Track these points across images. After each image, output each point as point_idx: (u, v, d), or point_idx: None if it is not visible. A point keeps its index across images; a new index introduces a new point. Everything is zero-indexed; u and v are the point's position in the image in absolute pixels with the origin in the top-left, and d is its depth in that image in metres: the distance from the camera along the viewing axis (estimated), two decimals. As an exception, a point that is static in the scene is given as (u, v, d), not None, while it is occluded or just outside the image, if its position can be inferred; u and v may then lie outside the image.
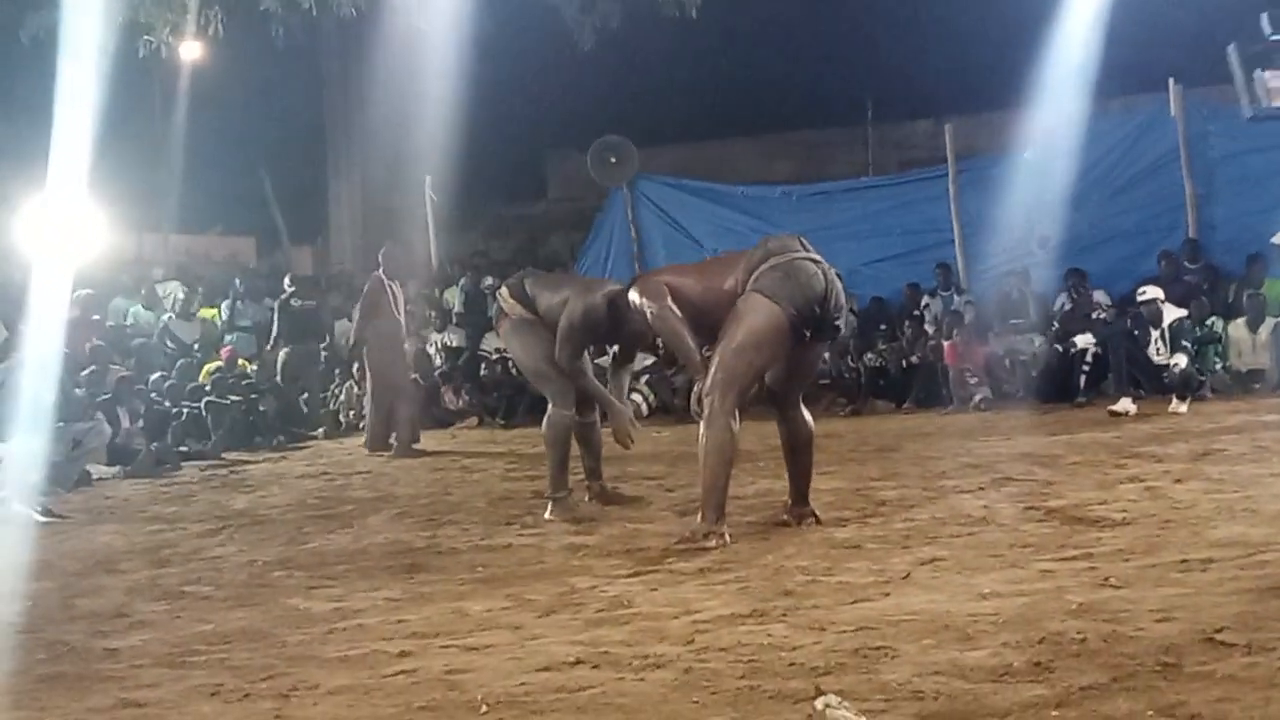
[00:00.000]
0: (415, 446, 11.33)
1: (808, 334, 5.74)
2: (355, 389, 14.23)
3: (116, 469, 10.89)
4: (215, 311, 16.03)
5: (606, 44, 18.15)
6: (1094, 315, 11.88)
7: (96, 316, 13.73)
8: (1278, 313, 11.46)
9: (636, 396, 11.72)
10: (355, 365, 14.10)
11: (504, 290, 7.36)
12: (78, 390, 11.23)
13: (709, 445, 5.69)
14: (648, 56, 19.43)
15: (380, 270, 11.61)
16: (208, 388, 13.16)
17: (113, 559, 6.65)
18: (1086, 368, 11.23)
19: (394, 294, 11.55)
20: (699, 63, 20.42)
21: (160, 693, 3.86)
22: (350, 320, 15.64)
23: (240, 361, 14.07)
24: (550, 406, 7.12)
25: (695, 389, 5.84)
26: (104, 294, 15.78)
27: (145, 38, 15.48)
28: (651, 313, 5.99)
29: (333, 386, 14.38)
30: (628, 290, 6.41)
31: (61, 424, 9.92)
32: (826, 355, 10.24)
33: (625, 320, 6.49)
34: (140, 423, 11.89)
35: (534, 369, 7.24)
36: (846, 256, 12.08)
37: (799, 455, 6.12)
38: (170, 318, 15.36)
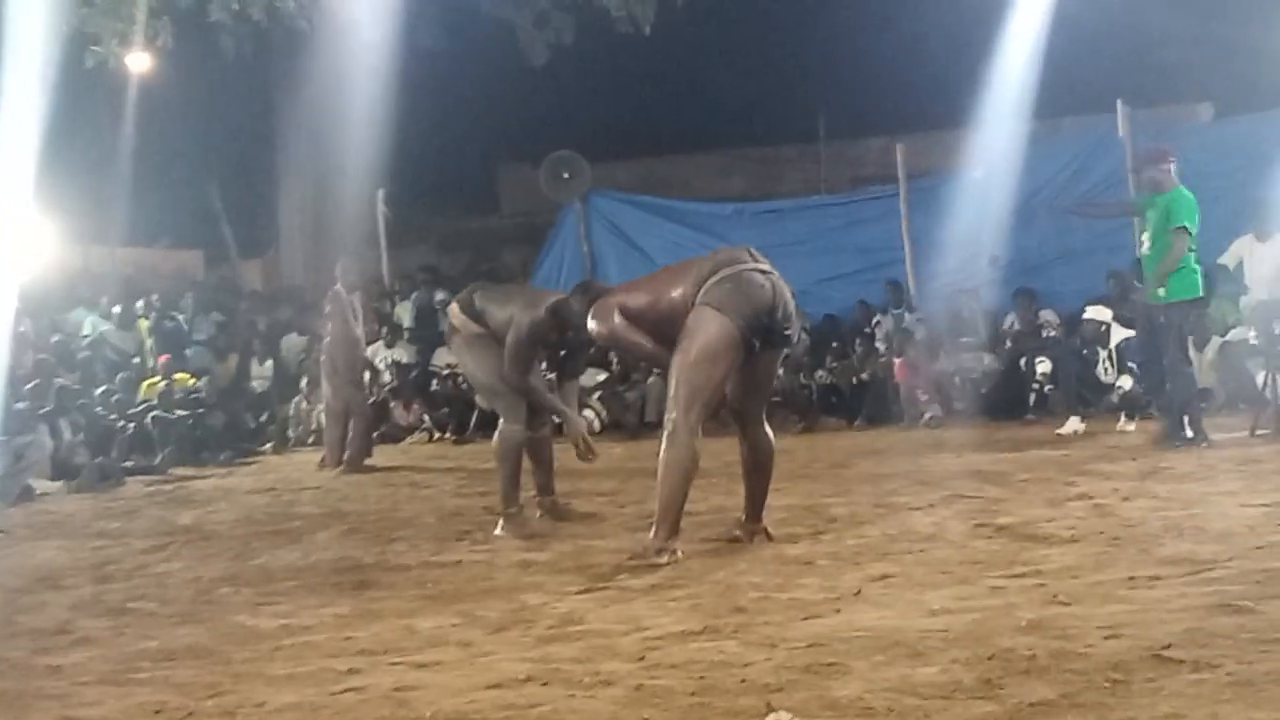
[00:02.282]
0: (366, 462, 11.26)
1: (757, 344, 5.75)
2: (304, 404, 14.15)
3: (60, 483, 10.76)
4: (146, 322, 15.90)
5: (560, 59, 18.18)
6: (1044, 334, 11.96)
7: (23, 329, 13.49)
8: (1223, 333, 11.58)
9: (589, 413, 11.69)
10: (306, 380, 14.04)
11: (454, 306, 7.34)
12: (19, 405, 11.09)
13: (669, 461, 5.68)
14: (601, 72, 19.48)
15: (338, 284, 11.53)
16: (154, 402, 13.02)
17: (55, 575, 6.55)
18: (1037, 386, 11.33)
19: (353, 307, 11.49)
20: (652, 79, 20.49)
21: (103, 711, 3.80)
22: (300, 335, 15.67)
23: (180, 375, 13.84)
24: (501, 422, 7.10)
25: (650, 399, 5.84)
26: (55, 306, 15.65)
27: (92, 48, 15.32)
28: (605, 337, 6.06)
29: (298, 401, 14.27)
30: (570, 297, 6.47)
31: (3, 438, 9.79)
32: (781, 371, 10.30)
33: (572, 328, 6.53)
34: (82, 435, 11.74)
35: (485, 384, 7.24)
36: (798, 274, 12.02)
37: (759, 472, 6.11)
38: (109, 328, 15.24)
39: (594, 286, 6.66)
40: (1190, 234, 8.79)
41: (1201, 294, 9.02)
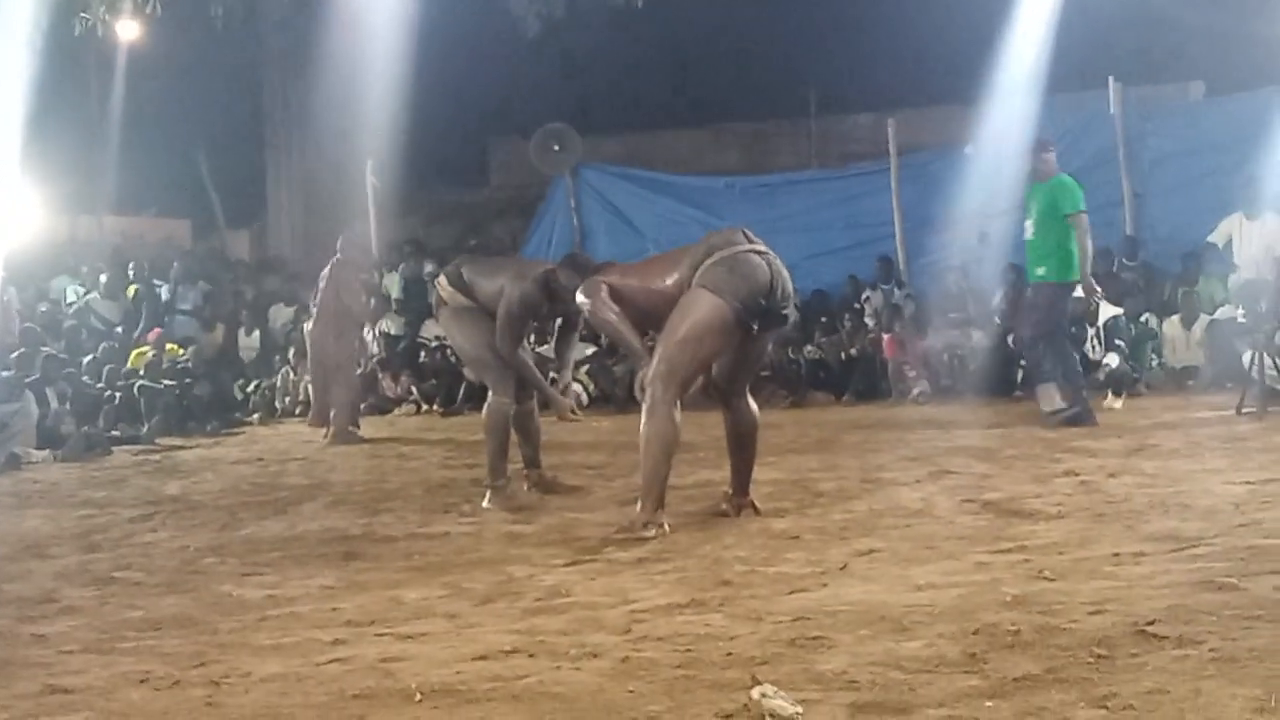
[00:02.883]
0: (353, 432, 11.24)
1: (755, 326, 5.75)
2: (291, 374, 14.13)
3: (46, 452, 10.73)
4: (136, 287, 15.87)
5: (552, 31, 18.11)
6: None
7: (7, 298, 13.41)
8: (1211, 311, 11.62)
9: (577, 386, 11.68)
10: (293, 351, 14.03)
11: (442, 278, 7.32)
12: (6, 372, 11.05)
13: (650, 435, 5.69)
14: (593, 44, 19.40)
15: (339, 254, 11.45)
16: (141, 372, 12.98)
17: (41, 543, 6.54)
18: (1024, 363, 11.35)
19: (358, 280, 11.55)
20: (644, 52, 20.40)
21: (88, 679, 3.79)
22: (287, 306, 15.65)
23: (170, 346, 13.83)
24: (490, 394, 7.09)
25: (639, 375, 5.84)
26: (42, 275, 15.59)
27: (81, 15, 15.17)
28: (588, 309, 6.05)
29: (286, 372, 14.25)
30: (559, 269, 6.48)
31: (-12, 406, 9.77)
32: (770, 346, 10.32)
33: (562, 299, 6.53)
34: (68, 404, 11.71)
35: (474, 356, 7.23)
36: (789, 249, 12.00)
37: (743, 445, 6.13)
38: (95, 296, 15.20)
39: (581, 258, 6.66)
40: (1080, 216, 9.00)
41: (1077, 277, 9.16)
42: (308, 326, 11.89)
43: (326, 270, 11.42)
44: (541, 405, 7.33)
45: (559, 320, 7.22)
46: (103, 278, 15.75)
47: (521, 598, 4.59)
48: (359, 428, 11.43)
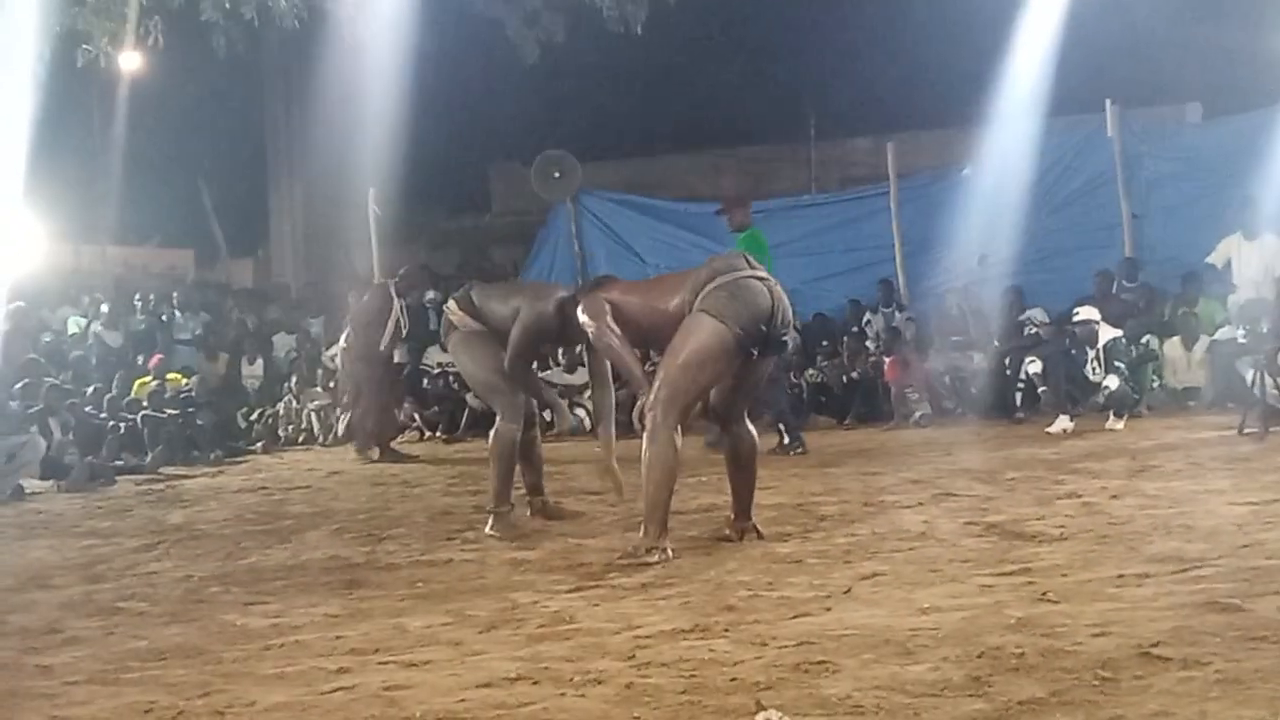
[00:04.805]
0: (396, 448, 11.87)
1: (755, 352, 5.77)
2: (294, 403, 14.15)
3: (50, 483, 10.73)
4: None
5: (551, 58, 18.15)
6: (1025, 331, 11.95)
7: (10, 328, 13.45)
8: (1212, 331, 11.62)
9: (579, 412, 11.69)
10: (295, 379, 14.11)
11: (451, 303, 7.33)
12: (11, 403, 11.06)
13: (652, 461, 5.70)
14: (592, 71, 19.46)
15: (393, 284, 12.07)
16: (144, 401, 12.99)
17: (45, 574, 6.54)
18: (1022, 385, 11.37)
19: (400, 310, 11.93)
20: (643, 78, 20.49)
21: (93, 710, 3.80)
22: (288, 334, 15.73)
23: (171, 376, 13.82)
24: (498, 419, 7.08)
25: (638, 403, 5.85)
26: (48, 305, 15.63)
27: (84, 47, 15.26)
28: (591, 332, 6.04)
29: (289, 400, 14.27)
30: (577, 295, 6.48)
31: (-3, 438, 9.78)
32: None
33: (575, 324, 6.53)
34: (71, 435, 11.71)
35: (484, 381, 7.22)
36: (789, 273, 12.07)
37: (743, 469, 6.13)
38: (99, 327, 15.24)
39: (607, 285, 6.63)
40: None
41: None
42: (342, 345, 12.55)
43: (371, 290, 12.01)
44: (546, 427, 7.34)
45: (579, 348, 7.24)
46: (104, 307, 15.80)
47: (525, 624, 4.59)
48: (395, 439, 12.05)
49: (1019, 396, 11.46)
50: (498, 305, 7.06)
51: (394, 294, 11.89)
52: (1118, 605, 4.20)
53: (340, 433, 13.19)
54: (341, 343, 12.67)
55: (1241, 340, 10.63)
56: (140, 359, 14.61)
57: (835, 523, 6.44)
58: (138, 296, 16.48)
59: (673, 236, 15.05)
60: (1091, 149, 13.45)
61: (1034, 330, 11.79)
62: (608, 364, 7.04)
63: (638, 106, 21.47)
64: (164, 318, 16.00)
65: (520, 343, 6.88)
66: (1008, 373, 11.62)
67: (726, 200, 10.46)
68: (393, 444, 12.08)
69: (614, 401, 6.87)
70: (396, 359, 12.47)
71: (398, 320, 11.86)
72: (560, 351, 8.00)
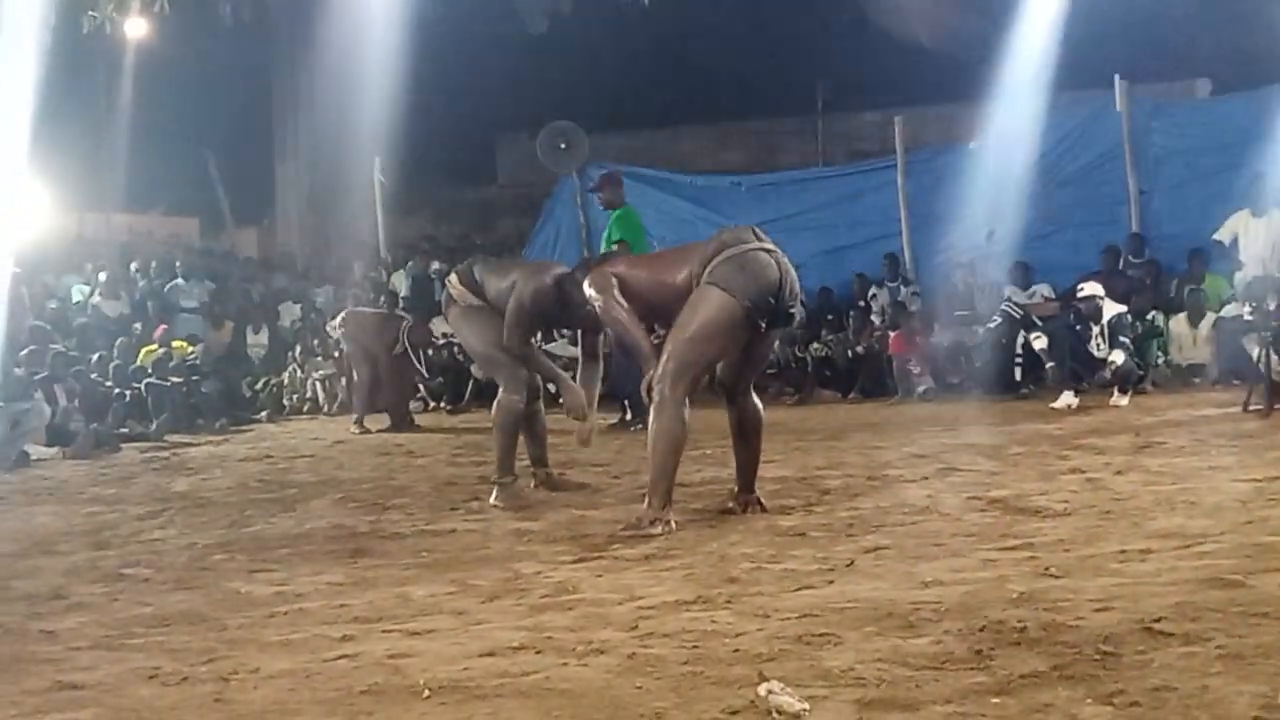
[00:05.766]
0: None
1: (763, 325, 5.76)
2: (299, 372, 14.16)
3: (55, 449, 10.76)
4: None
5: (559, 29, 18.10)
6: (1004, 308, 11.88)
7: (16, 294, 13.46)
8: (1218, 308, 11.60)
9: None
10: (299, 348, 14.12)
11: (453, 277, 7.34)
12: (17, 370, 11.08)
13: (658, 433, 5.70)
14: (600, 42, 19.38)
15: (405, 328, 12.33)
16: (149, 369, 13.01)
17: (50, 540, 6.56)
18: (1020, 359, 11.36)
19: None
20: (651, 50, 20.39)
21: (98, 675, 3.81)
22: (295, 303, 15.73)
23: (177, 344, 13.83)
24: (500, 392, 7.09)
25: (646, 377, 5.84)
26: (51, 273, 15.61)
27: (89, 13, 15.24)
28: (599, 305, 6.03)
29: (294, 369, 14.28)
30: (575, 273, 6.47)
31: (1, 404, 9.78)
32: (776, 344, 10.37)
33: (574, 302, 6.52)
34: (77, 402, 11.74)
35: (484, 354, 7.24)
36: (795, 246, 12.03)
37: (748, 442, 6.13)
38: (99, 296, 15.25)
39: (614, 258, 6.62)
40: (630, 248, 9.42)
41: None
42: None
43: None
44: (552, 400, 7.34)
45: (579, 330, 7.21)
46: (102, 275, 15.77)
47: (529, 594, 4.60)
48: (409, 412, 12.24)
49: (1018, 371, 11.44)
50: (497, 280, 7.05)
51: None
52: (1120, 580, 4.20)
53: (347, 401, 13.24)
54: (337, 321, 12.83)
55: (1247, 317, 10.60)
56: (138, 326, 14.61)
57: (839, 496, 6.44)
58: (135, 266, 16.46)
59: (680, 209, 14.99)
60: (1099, 124, 13.39)
61: (1007, 307, 11.71)
62: (600, 344, 7.09)
63: (645, 79, 21.37)
64: (165, 287, 15.97)
65: (516, 318, 6.87)
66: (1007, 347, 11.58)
67: (600, 178, 10.63)
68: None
69: (600, 380, 7.12)
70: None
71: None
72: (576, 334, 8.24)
